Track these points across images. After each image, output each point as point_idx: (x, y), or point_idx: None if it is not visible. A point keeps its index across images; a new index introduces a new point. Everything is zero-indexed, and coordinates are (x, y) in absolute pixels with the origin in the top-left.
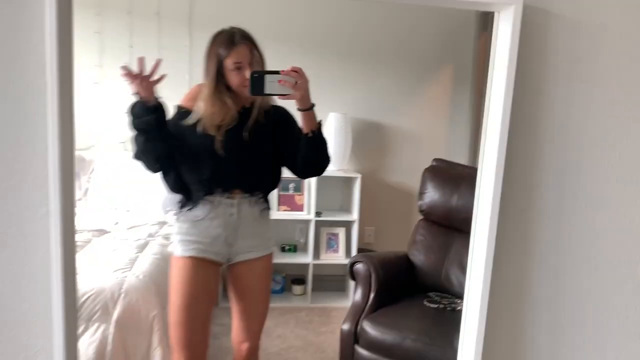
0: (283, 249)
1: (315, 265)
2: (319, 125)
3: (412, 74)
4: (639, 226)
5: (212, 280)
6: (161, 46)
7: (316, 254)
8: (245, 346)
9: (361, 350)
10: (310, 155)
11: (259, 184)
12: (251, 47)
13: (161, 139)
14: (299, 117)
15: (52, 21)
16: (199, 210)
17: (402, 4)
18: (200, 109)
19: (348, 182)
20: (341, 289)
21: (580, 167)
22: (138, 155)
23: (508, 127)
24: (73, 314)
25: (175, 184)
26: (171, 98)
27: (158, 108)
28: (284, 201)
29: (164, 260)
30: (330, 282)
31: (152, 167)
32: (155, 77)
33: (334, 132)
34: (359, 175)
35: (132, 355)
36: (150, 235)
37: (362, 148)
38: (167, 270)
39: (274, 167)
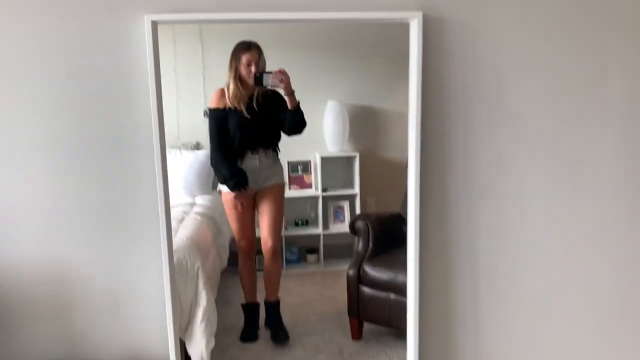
0: (296, 224)
1: (325, 236)
2: (298, 103)
3: (399, 62)
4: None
5: (250, 202)
6: (177, 54)
7: (325, 226)
8: (270, 243)
9: (364, 288)
10: (292, 122)
11: (270, 141)
12: (259, 52)
13: None
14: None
15: (150, 57)
16: (241, 163)
17: (318, 20)
18: (230, 92)
19: (348, 160)
20: (349, 255)
21: (480, 139)
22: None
23: (421, 107)
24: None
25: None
26: (187, 98)
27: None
28: (294, 181)
29: (198, 229)
30: (339, 249)
31: None
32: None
33: (333, 118)
34: (357, 154)
35: (183, 297)
36: (185, 213)
37: (359, 130)
38: (202, 235)
39: (276, 130)
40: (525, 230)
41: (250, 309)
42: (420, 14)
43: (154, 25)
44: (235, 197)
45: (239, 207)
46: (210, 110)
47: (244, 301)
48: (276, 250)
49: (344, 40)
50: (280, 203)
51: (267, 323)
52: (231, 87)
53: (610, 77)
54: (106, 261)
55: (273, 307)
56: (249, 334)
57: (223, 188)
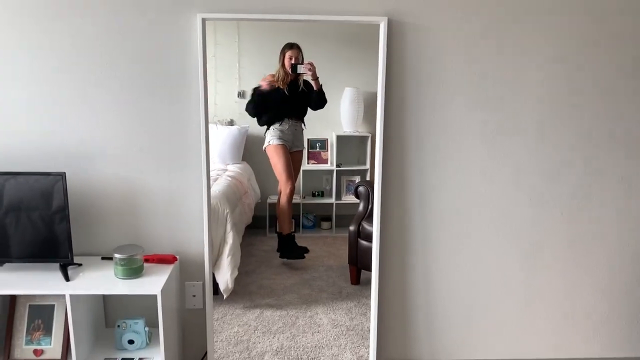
0: (313, 194)
1: (337, 205)
2: (321, 86)
3: None
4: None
5: (289, 153)
6: (217, 42)
7: (338, 197)
8: (291, 182)
9: (362, 241)
10: (317, 99)
11: (301, 114)
12: (299, 50)
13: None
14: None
15: (200, 47)
16: (280, 125)
17: (312, 21)
18: (277, 75)
19: (361, 140)
20: None
21: (431, 131)
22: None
23: (385, 88)
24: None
25: (270, 118)
26: (224, 81)
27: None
28: (312, 157)
29: (228, 186)
30: (349, 218)
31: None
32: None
33: (349, 102)
34: (369, 134)
35: (215, 237)
36: (218, 175)
37: (372, 113)
38: (231, 191)
39: (305, 106)
40: (463, 176)
41: (289, 236)
42: (386, 19)
43: (204, 21)
44: (280, 146)
45: (284, 151)
46: (254, 89)
47: (282, 245)
48: (293, 194)
49: (361, 35)
50: (300, 165)
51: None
52: (279, 72)
53: (531, 73)
54: (163, 182)
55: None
56: (293, 252)
57: (271, 142)
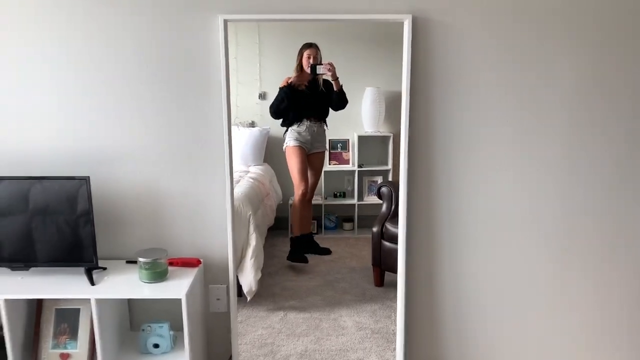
0: (335, 195)
1: (359, 206)
2: (341, 86)
3: None
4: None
5: (305, 155)
6: (238, 44)
7: (360, 197)
8: (308, 194)
9: (385, 243)
10: (337, 100)
11: (321, 114)
12: (317, 50)
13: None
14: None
15: (222, 48)
16: (298, 127)
17: (336, 20)
18: (294, 76)
19: (383, 140)
20: None
21: (461, 121)
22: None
23: (410, 87)
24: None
25: (289, 118)
26: (246, 83)
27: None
28: (334, 157)
29: (250, 188)
30: (371, 218)
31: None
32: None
33: (370, 102)
34: (391, 134)
35: (237, 238)
36: (240, 177)
37: (393, 113)
38: (253, 193)
39: (326, 106)
40: (492, 177)
41: (304, 237)
42: (410, 16)
43: (225, 22)
44: (297, 147)
45: (299, 152)
46: (280, 88)
47: (291, 246)
48: (311, 198)
49: (382, 34)
50: (321, 166)
51: (306, 251)
52: (296, 73)
53: (558, 70)
54: (186, 184)
55: (309, 236)
56: (299, 255)
57: (288, 143)
